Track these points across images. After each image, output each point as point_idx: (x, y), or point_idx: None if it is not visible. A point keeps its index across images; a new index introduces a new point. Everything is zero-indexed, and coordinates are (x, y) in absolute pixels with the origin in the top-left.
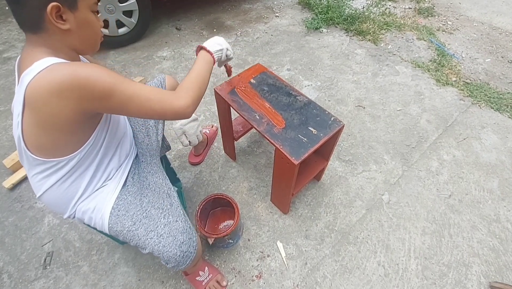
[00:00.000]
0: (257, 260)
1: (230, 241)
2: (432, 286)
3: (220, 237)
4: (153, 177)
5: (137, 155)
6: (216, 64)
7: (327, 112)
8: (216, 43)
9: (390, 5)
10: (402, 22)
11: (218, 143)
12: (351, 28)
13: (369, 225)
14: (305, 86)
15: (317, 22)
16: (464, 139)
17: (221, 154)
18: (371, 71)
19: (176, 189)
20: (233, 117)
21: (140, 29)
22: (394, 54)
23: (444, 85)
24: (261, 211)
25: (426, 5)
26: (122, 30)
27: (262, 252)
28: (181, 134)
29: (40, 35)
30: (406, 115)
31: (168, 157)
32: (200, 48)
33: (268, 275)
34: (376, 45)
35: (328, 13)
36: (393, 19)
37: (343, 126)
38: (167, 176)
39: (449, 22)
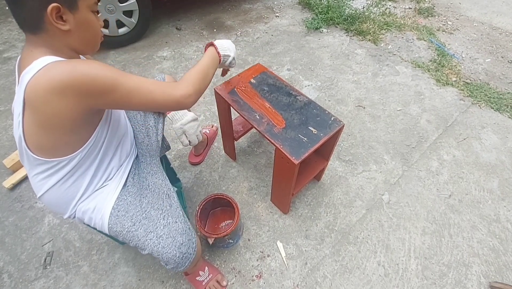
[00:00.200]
0: (257, 260)
1: (230, 241)
2: (432, 286)
3: (220, 237)
4: (152, 178)
5: (137, 155)
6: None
7: (327, 112)
8: (227, 48)
9: (390, 5)
10: (402, 22)
11: (218, 143)
12: (351, 28)
13: (369, 225)
14: (305, 86)
15: (317, 22)
16: (464, 139)
17: (221, 154)
18: (371, 71)
19: (176, 189)
20: (233, 117)
21: (140, 29)
22: (394, 54)
23: (444, 85)
24: (261, 211)
25: (426, 5)
26: (122, 30)
27: (262, 252)
28: (181, 134)
29: (40, 35)
30: (406, 115)
31: (168, 157)
32: (210, 44)
33: (268, 275)
34: (376, 45)
35: (328, 13)
36: (393, 19)
37: (343, 126)
38: (167, 177)
39: (449, 22)
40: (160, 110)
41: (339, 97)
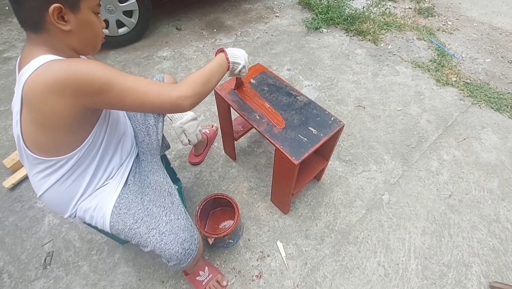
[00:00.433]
0: (257, 260)
1: (230, 241)
2: (432, 286)
3: (220, 237)
4: (154, 176)
5: (137, 154)
6: (227, 72)
7: (327, 112)
8: (238, 56)
9: (390, 5)
10: (402, 22)
11: (218, 143)
12: (351, 28)
13: (369, 225)
14: (305, 86)
15: (317, 22)
16: (464, 139)
17: (221, 154)
18: (371, 71)
19: (176, 187)
20: (233, 117)
21: (140, 29)
22: (394, 54)
23: (444, 85)
24: (261, 211)
25: (426, 5)
26: (122, 30)
27: (262, 252)
28: (181, 133)
29: (41, 34)
30: (406, 115)
31: (168, 156)
32: (221, 50)
33: (268, 275)
34: (376, 45)
35: (328, 13)
36: (393, 19)
37: (343, 126)
38: (168, 175)
39: (449, 22)
40: (155, 112)
41: (339, 97)
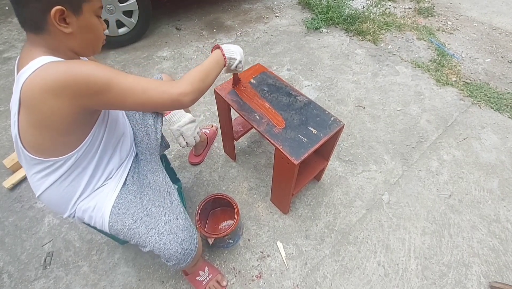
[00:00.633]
0: (257, 260)
1: (230, 241)
2: (432, 286)
3: (220, 237)
4: (153, 176)
5: (136, 154)
6: (224, 69)
7: (327, 112)
8: (233, 52)
9: (390, 5)
10: (402, 22)
11: (218, 144)
12: (351, 28)
13: (369, 225)
14: (305, 86)
15: (317, 22)
16: (464, 139)
17: (221, 154)
18: (371, 71)
19: (176, 186)
20: (233, 117)
21: (140, 29)
22: (394, 54)
23: (444, 85)
24: (261, 211)
25: (426, 5)
26: (122, 30)
27: (262, 252)
28: (179, 135)
29: (41, 35)
30: (406, 115)
31: (168, 157)
32: (217, 47)
33: (268, 275)
34: (376, 45)
35: (328, 13)
36: (393, 19)
37: (343, 126)
38: (167, 174)
39: (449, 22)
40: (157, 109)
41: (339, 97)
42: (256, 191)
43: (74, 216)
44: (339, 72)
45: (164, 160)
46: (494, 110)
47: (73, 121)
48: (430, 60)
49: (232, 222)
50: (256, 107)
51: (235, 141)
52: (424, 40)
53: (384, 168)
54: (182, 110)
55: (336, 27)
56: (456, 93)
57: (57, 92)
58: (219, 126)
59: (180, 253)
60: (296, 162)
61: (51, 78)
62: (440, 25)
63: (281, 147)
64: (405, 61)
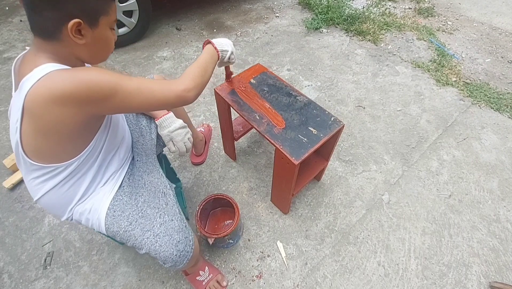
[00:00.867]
0: (257, 260)
1: (230, 241)
2: (432, 286)
3: (220, 237)
4: (148, 176)
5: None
6: (218, 63)
7: (327, 112)
8: (224, 44)
9: (390, 5)
10: (402, 22)
11: (218, 144)
12: (351, 29)
13: (369, 225)
14: (305, 86)
15: (317, 23)
16: (464, 139)
17: (221, 154)
18: (371, 72)
19: (174, 185)
20: (233, 117)
21: (140, 29)
22: (394, 55)
23: (444, 86)
24: (261, 211)
25: (426, 5)
26: (122, 30)
27: (262, 252)
28: (169, 141)
29: (51, 42)
30: (406, 115)
31: (168, 157)
32: (208, 42)
33: (268, 275)
34: (376, 46)
35: (328, 13)
36: (393, 19)
37: (343, 126)
38: (163, 175)
39: (449, 22)
40: (162, 108)
41: (339, 97)
42: (256, 191)
43: (71, 219)
44: (339, 73)
45: (164, 160)
46: (494, 110)
47: (79, 128)
48: (430, 61)
49: (232, 222)
50: (256, 108)
51: (235, 142)
52: (424, 40)
53: (384, 168)
54: (173, 115)
55: (336, 27)
56: (456, 93)
57: (63, 102)
58: (219, 126)
59: (176, 255)
60: (296, 162)
61: (57, 88)
62: (440, 25)
63: (281, 147)
64: (405, 61)
